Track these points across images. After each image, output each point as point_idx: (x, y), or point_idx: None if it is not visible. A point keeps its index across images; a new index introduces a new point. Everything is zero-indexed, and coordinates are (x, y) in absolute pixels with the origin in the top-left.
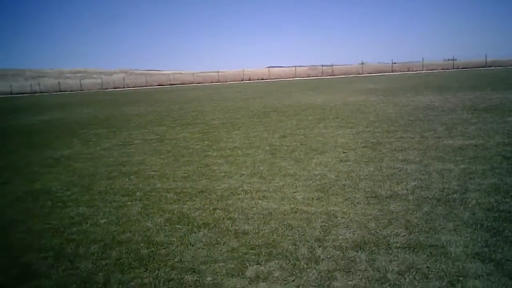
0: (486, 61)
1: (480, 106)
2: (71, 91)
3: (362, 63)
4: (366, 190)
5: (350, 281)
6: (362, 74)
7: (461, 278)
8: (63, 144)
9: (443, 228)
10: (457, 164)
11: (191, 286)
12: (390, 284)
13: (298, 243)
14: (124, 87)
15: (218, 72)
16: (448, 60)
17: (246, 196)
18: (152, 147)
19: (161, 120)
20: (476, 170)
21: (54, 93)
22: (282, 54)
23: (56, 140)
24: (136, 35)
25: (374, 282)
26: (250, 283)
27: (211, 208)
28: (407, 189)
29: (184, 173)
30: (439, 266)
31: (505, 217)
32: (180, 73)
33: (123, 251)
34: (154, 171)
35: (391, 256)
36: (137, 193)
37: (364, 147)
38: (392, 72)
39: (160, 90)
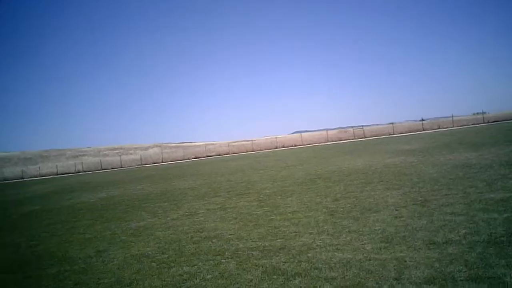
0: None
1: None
2: (112, 168)
3: (392, 124)
4: (424, 239)
5: None
6: (394, 134)
7: None
8: (134, 217)
9: (497, 264)
10: (501, 214)
11: None
12: None
13: (380, 282)
14: (162, 162)
15: (251, 141)
16: (478, 113)
17: (322, 250)
18: (218, 215)
19: (215, 192)
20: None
21: (97, 171)
22: (308, 118)
23: (125, 214)
24: (166, 109)
25: None
26: None
27: (296, 261)
28: (459, 236)
29: (258, 234)
30: None
31: None
32: (213, 144)
33: None
34: (230, 234)
35: (458, 287)
36: (226, 252)
37: (413, 204)
38: (423, 130)
39: (199, 162)
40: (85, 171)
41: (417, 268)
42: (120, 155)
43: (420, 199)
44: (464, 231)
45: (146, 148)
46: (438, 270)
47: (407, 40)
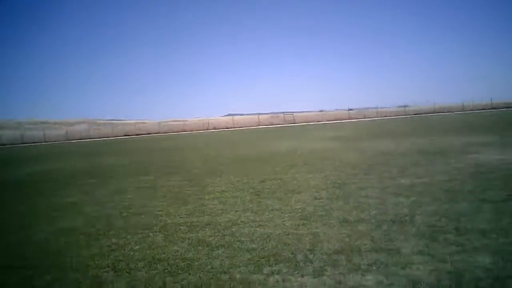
0: (434, 107)
1: (429, 150)
2: (34, 142)
3: (322, 111)
4: (339, 217)
5: (336, 272)
6: (322, 121)
7: (408, 266)
8: (61, 193)
9: (397, 239)
10: (408, 198)
11: (226, 282)
12: (362, 270)
13: (294, 253)
14: (90, 138)
15: (183, 121)
16: (400, 107)
17: (245, 225)
18: (148, 193)
19: (145, 170)
20: (422, 201)
21: (18, 145)
22: (241, 102)
23: (51, 191)
24: (96, 83)
25: (353, 271)
26: (268, 276)
27: (220, 235)
28: (369, 216)
29: (186, 211)
30: (395, 259)
31: (441, 230)
32: (143, 123)
33: (166, 265)
34: (159, 211)
35: (362, 256)
36: (154, 227)
37: (333, 187)
38: (349, 119)
39: (129, 140)
40: (5, 145)
41: (329, 242)
42: (43, 130)
43: (339, 182)
44: (374, 211)
45: (73, 124)
46: (347, 243)
47: (338, 31)
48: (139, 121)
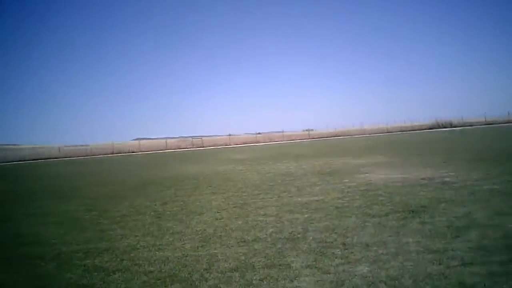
0: (335, 131)
1: (326, 170)
2: None
3: (229, 135)
4: (237, 237)
5: None
6: (230, 145)
7: (296, 278)
8: None
9: (289, 255)
10: (303, 214)
11: None
12: (254, 285)
13: (191, 273)
14: None
15: (85, 146)
16: (306, 130)
17: (145, 250)
18: (44, 220)
19: (38, 196)
20: (315, 218)
21: None
22: (150, 126)
23: None
24: None
25: (244, 286)
26: None
27: (118, 259)
28: (266, 234)
29: (84, 238)
30: (285, 273)
31: (329, 245)
32: (42, 147)
33: None
34: (54, 239)
35: (255, 272)
36: (47, 256)
37: (234, 207)
38: (257, 142)
39: (24, 165)
40: None
41: (226, 261)
42: None
43: (241, 202)
44: (271, 230)
45: None
46: (243, 261)
47: (244, 59)
48: (37, 146)
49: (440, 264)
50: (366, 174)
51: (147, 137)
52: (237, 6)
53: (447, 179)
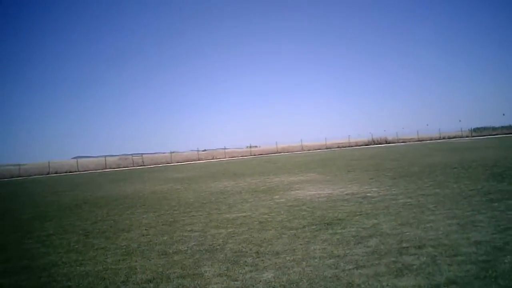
0: (277, 148)
1: (260, 188)
2: None
3: (171, 153)
4: (159, 251)
5: None
6: (172, 163)
7: (206, 286)
8: None
9: (204, 265)
10: (227, 229)
11: None
12: None
13: (108, 286)
14: None
15: (21, 165)
16: (249, 147)
17: (66, 266)
18: None
19: None
20: (237, 232)
21: None
22: (90, 144)
23: None
24: None
25: None
26: None
27: (36, 277)
28: (187, 247)
29: (3, 258)
30: (197, 282)
31: (244, 255)
32: None
33: None
34: None
35: (169, 283)
36: None
37: (163, 224)
38: (198, 160)
39: None
40: None
41: (143, 273)
42: None
43: (171, 220)
44: (193, 243)
45: None
46: (160, 273)
47: (179, 74)
48: None
49: (336, 268)
50: (297, 191)
51: (87, 155)
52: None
53: (369, 194)
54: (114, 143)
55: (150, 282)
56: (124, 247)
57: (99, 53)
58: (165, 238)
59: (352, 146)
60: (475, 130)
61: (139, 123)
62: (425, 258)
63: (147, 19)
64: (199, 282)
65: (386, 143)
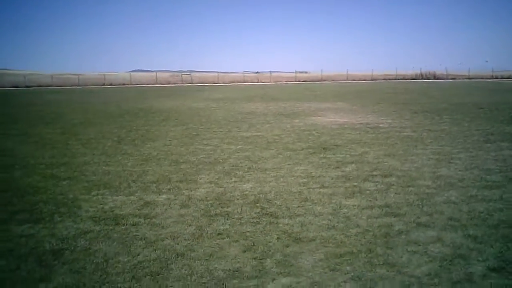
0: (321, 75)
1: (286, 112)
2: None
3: (218, 73)
4: (172, 160)
5: (144, 194)
6: (218, 83)
7: (195, 189)
8: None
9: (203, 173)
10: (237, 145)
11: (61, 200)
12: (159, 192)
13: (121, 182)
14: None
15: (78, 75)
16: (300, 72)
17: (95, 165)
18: (21, 139)
19: (18, 119)
20: (244, 148)
21: None
22: (151, 58)
23: None
24: None
25: (154, 193)
26: (92, 196)
27: (71, 171)
28: (196, 159)
29: (50, 155)
30: (190, 186)
31: (237, 168)
32: (34, 74)
33: (16, 190)
34: (25, 154)
35: (169, 184)
36: (16, 166)
37: (185, 137)
38: (244, 82)
39: (17, 93)
40: None
41: (152, 175)
42: None
43: (194, 133)
44: (202, 155)
45: None
46: (165, 176)
47: None
48: (30, 72)
49: (304, 186)
50: (318, 117)
51: (146, 69)
52: None
53: (381, 125)
54: (174, 58)
55: (154, 183)
56: (146, 154)
57: None
58: (182, 149)
59: (398, 79)
60: None
61: (201, 40)
62: (382, 186)
63: None
64: (191, 186)
65: (434, 79)
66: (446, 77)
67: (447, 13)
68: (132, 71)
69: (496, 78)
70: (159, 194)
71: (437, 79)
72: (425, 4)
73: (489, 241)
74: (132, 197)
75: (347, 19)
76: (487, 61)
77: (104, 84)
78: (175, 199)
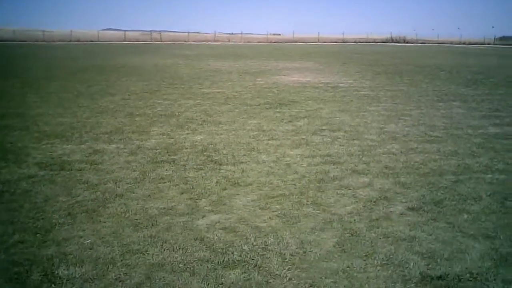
0: (293, 37)
1: (251, 70)
2: None
3: (188, 33)
4: (128, 112)
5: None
6: (188, 42)
7: (146, 140)
8: None
9: (156, 126)
10: (195, 101)
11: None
12: (150, 136)
13: (73, 133)
14: None
15: (43, 31)
16: (272, 34)
17: (50, 116)
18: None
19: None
20: (201, 103)
21: None
22: (122, 17)
23: None
24: None
25: (105, 142)
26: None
27: (25, 122)
28: (152, 112)
29: (7, 106)
30: (142, 137)
31: (191, 121)
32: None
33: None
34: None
35: (121, 135)
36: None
37: (145, 92)
38: (214, 41)
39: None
40: None
41: (105, 127)
42: None
43: (155, 89)
44: (159, 109)
45: None
46: (118, 128)
47: None
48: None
49: (253, 138)
50: (281, 76)
51: (118, 28)
52: None
53: (341, 84)
54: (146, 18)
55: (107, 133)
56: (103, 107)
57: None
58: (140, 103)
59: (369, 42)
60: (501, 38)
61: (173, 2)
62: (328, 139)
63: None
64: (142, 137)
65: (404, 43)
66: (416, 41)
67: None
68: (103, 29)
69: (464, 43)
70: (110, 144)
71: (407, 43)
72: None
73: (415, 187)
74: (82, 146)
75: None
76: (459, 28)
77: (70, 41)
78: (124, 148)
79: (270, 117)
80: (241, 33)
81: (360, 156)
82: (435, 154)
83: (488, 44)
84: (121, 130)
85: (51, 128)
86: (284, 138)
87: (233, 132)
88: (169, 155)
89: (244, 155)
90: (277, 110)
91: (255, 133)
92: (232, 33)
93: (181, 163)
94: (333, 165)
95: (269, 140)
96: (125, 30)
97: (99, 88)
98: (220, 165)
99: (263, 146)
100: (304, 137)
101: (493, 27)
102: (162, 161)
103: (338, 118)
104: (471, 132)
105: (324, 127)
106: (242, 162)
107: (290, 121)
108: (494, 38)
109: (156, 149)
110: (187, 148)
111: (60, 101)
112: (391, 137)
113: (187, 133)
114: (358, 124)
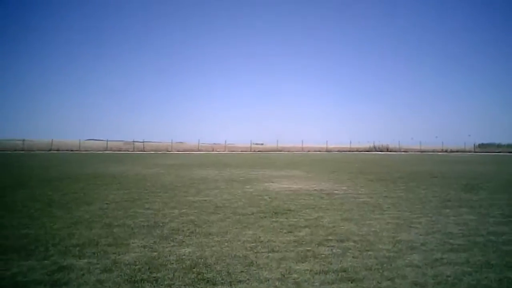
0: (277, 146)
1: (238, 178)
2: None
3: (171, 142)
4: (106, 223)
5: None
6: (171, 151)
7: (125, 253)
8: None
9: (137, 237)
10: (181, 210)
11: None
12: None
13: (39, 246)
14: None
15: (22, 140)
16: (255, 144)
17: (12, 228)
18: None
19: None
20: (188, 213)
21: None
22: (105, 128)
23: None
24: None
25: (73, 257)
26: None
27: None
28: (133, 222)
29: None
30: (120, 250)
31: (178, 233)
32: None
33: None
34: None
35: (95, 248)
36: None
37: (125, 201)
38: (198, 151)
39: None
40: None
41: (77, 239)
42: None
43: (136, 197)
44: (141, 219)
45: None
46: (92, 240)
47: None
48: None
49: (251, 250)
50: (270, 183)
51: (100, 138)
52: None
53: (335, 191)
54: (128, 129)
55: (78, 246)
56: (77, 217)
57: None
58: (119, 212)
59: (352, 151)
60: (480, 146)
61: (141, 112)
62: (337, 250)
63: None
64: (120, 250)
65: (387, 151)
66: (399, 149)
67: (413, 90)
68: (87, 139)
69: (446, 151)
70: (80, 258)
71: (390, 151)
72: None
73: None
74: (45, 261)
75: (303, 92)
76: (437, 137)
77: (50, 150)
78: (97, 264)
79: (267, 226)
80: (225, 142)
81: (381, 270)
82: (465, 265)
83: (470, 151)
84: (96, 242)
85: (11, 241)
86: (287, 250)
87: (226, 243)
88: (150, 272)
89: (242, 271)
90: (273, 219)
91: (252, 244)
92: (215, 143)
93: (165, 282)
94: (351, 283)
95: (269, 252)
96: (107, 140)
97: (75, 196)
98: (214, 285)
99: (263, 260)
100: (309, 248)
101: (469, 135)
102: (142, 279)
103: (343, 227)
104: (494, 239)
105: (330, 237)
106: (240, 281)
107: (290, 231)
108: (474, 146)
109: (136, 265)
110: (172, 264)
111: (28, 211)
112: (407, 246)
113: (173, 246)
114: (367, 233)
